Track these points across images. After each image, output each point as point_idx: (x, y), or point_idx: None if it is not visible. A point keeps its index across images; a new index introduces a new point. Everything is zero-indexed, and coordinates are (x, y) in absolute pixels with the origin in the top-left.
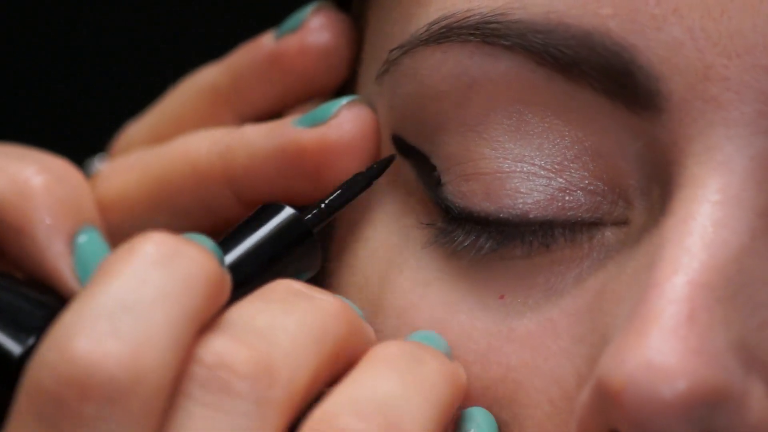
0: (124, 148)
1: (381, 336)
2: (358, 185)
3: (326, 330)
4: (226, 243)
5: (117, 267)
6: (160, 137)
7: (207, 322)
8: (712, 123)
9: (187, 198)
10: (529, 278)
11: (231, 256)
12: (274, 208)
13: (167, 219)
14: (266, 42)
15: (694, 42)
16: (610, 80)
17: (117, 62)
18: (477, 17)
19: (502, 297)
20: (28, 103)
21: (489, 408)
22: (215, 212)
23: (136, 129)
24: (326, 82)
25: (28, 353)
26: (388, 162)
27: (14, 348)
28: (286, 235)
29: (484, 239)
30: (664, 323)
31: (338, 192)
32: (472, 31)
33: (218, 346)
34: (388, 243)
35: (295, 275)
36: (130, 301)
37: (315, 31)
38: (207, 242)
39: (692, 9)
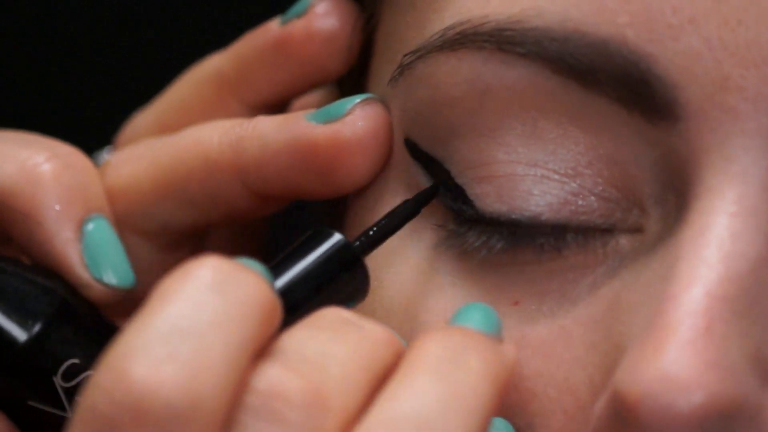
0: (131, 138)
1: None
2: (405, 212)
3: (375, 360)
4: (275, 268)
5: (173, 291)
6: (167, 127)
7: (260, 350)
8: (729, 133)
9: (196, 188)
10: (543, 284)
11: (280, 282)
12: (323, 234)
13: (176, 208)
14: (272, 28)
15: (712, 52)
16: (626, 89)
17: (123, 54)
18: (492, 24)
19: (516, 303)
20: (36, 96)
21: (502, 416)
22: (224, 203)
23: (143, 118)
24: (332, 68)
25: (34, 339)
26: (435, 189)
27: (20, 334)
28: (335, 262)
29: (496, 240)
30: (681, 335)
31: (386, 219)
32: (487, 38)
33: (271, 375)
34: (399, 245)
35: (344, 303)
36: (186, 326)
37: (321, 16)
38: (259, 268)
39: (709, 19)
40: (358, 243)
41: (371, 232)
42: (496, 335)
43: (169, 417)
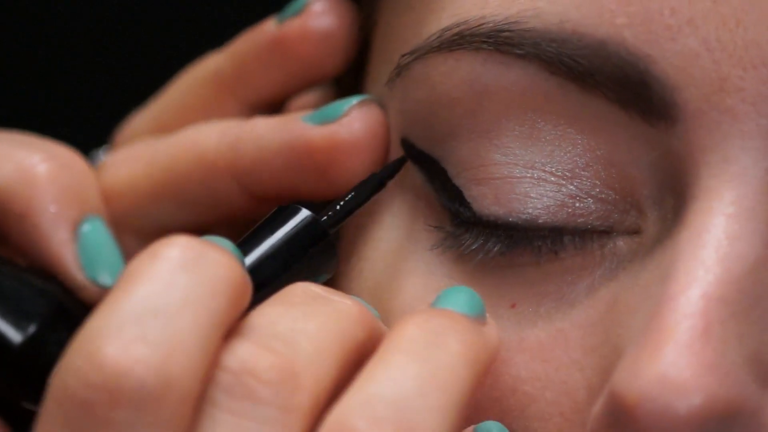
0: (128, 139)
1: None
2: (372, 186)
3: (346, 333)
4: (243, 245)
5: (143, 271)
6: (164, 127)
7: (231, 327)
8: (727, 134)
9: (193, 189)
10: (540, 286)
11: (249, 259)
12: (290, 210)
13: (173, 209)
14: (269, 27)
15: (710, 53)
16: (624, 90)
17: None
18: (490, 25)
19: (513, 305)
20: (33, 96)
21: (500, 420)
22: (221, 204)
23: (140, 119)
24: (329, 67)
25: (28, 340)
26: (400, 163)
27: (15, 336)
28: (303, 237)
29: (493, 243)
30: (679, 338)
31: (352, 193)
32: (484, 39)
33: (242, 352)
34: (396, 246)
35: (313, 277)
36: (157, 306)
37: (317, 15)
38: (228, 245)
39: (707, 20)
40: (325, 218)
41: (338, 207)
42: (478, 317)
43: (142, 396)
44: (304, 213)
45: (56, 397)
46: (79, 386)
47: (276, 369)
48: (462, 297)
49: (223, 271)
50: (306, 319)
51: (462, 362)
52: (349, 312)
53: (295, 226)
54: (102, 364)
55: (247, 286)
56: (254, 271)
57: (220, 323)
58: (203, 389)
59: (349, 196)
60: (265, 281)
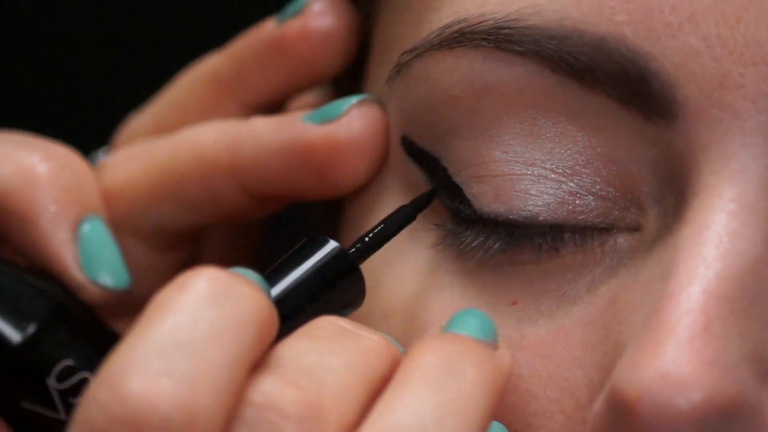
0: (128, 139)
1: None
2: (401, 218)
3: (372, 369)
4: (270, 277)
5: (169, 303)
6: (164, 127)
7: (256, 361)
8: (727, 131)
9: (192, 189)
10: (541, 284)
11: (276, 290)
12: (318, 241)
13: (172, 209)
14: (268, 28)
15: (710, 50)
16: (624, 87)
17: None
18: (490, 22)
19: (514, 303)
20: (33, 97)
21: (500, 418)
22: (221, 204)
23: (140, 120)
24: (329, 67)
25: (28, 340)
26: (430, 195)
27: (14, 335)
28: (331, 269)
29: (493, 240)
30: (680, 334)
31: (381, 225)
32: (485, 37)
33: (267, 387)
34: (397, 244)
35: (340, 310)
36: (183, 339)
37: (317, 15)
38: (255, 277)
39: (707, 17)
40: (353, 250)
41: (367, 239)
42: (491, 342)
43: (165, 431)
44: (332, 245)
45: (79, 428)
46: (102, 420)
47: (301, 404)
48: (474, 321)
49: (250, 304)
50: (332, 355)
51: (479, 389)
52: (375, 348)
53: (322, 258)
54: (126, 397)
55: (274, 319)
56: (281, 303)
57: (246, 357)
58: (228, 424)
59: (378, 228)
60: (292, 313)
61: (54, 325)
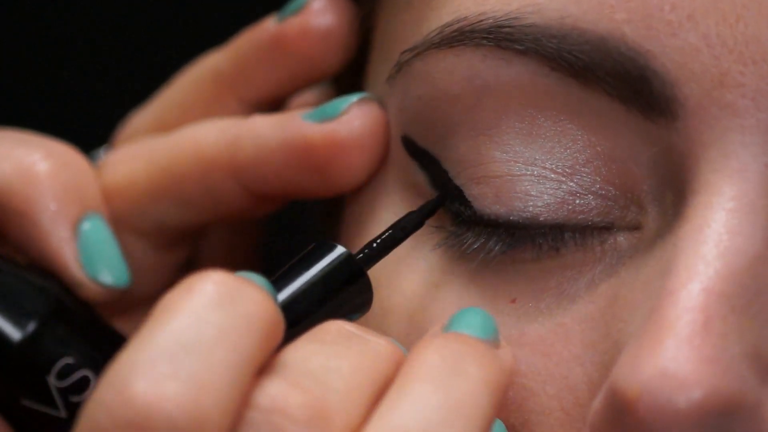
0: (129, 137)
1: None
2: (409, 223)
3: (378, 373)
4: (277, 281)
5: (176, 306)
6: (165, 125)
7: (263, 364)
8: (727, 130)
9: (193, 187)
10: (541, 282)
11: (283, 295)
12: (326, 247)
13: (172, 208)
14: (268, 26)
15: (710, 48)
16: (624, 86)
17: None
18: (490, 21)
19: (513, 301)
20: (34, 95)
21: (498, 414)
22: (221, 202)
23: (141, 118)
24: (329, 65)
25: (28, 338)
26: (439, 201)
27: (14, 333)
28: (338, 275)
29: (494, 242)
30: (679, 332)
31: (389, 231)
32: (485, 35)
33: (274, 391)
34: (398, 246)
35: (347, 315)
36: (189, 342)
37: (317, 13)
38: (262, 282)
39: (707, 15)
40: (361, 255)
41: (374, 245)
42: (493, 340)
43: None
44: (340, 250)
45: (85, 430)
46: (107, 422)
47: (306, 408)
48: (476, 320)
49: (257, 308)
50: (339, 358)
51: (482, 389)
52: (382, 352)
53: (330, 263)
54: (132, 399)
55: (280, 323)
56: (288, 307)
57: (252, 360)
58: (234, 427)
59: (386, 234)
60: (299, 318)
61: (54, 322)
